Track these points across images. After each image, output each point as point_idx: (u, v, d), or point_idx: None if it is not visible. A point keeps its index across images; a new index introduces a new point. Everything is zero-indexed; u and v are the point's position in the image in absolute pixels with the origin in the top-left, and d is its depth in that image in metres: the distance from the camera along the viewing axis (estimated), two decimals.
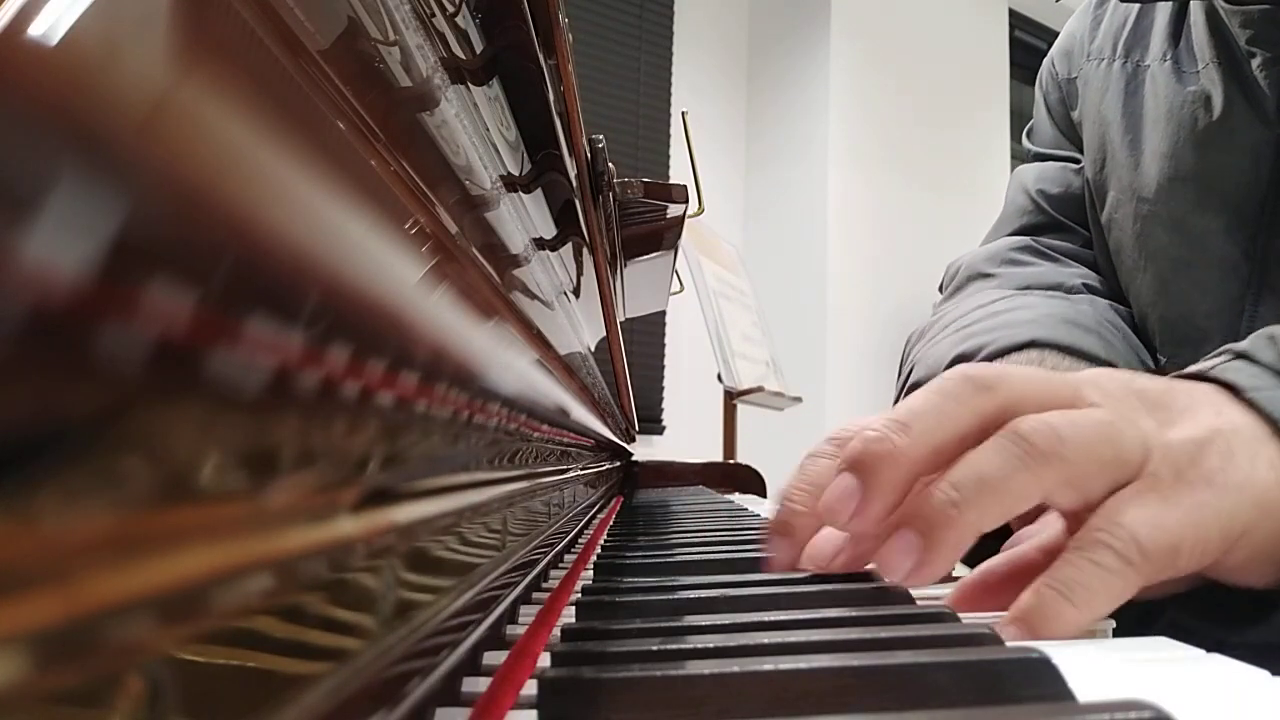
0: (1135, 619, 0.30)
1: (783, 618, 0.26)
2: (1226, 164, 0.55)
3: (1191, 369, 0.36)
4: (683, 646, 0.23)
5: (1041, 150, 0.72)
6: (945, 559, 0.29)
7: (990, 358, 0.53)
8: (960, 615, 0.27)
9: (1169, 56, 0.59)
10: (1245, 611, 0.33)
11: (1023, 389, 0.31)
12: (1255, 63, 0.53)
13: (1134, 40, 0.63)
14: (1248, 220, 0.55)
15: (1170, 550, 0.28)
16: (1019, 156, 0.76)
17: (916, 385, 0.57)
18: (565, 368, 0.46)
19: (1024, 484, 0.28)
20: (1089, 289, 0.64)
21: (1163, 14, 0.61)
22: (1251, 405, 0.33)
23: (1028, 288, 0.64)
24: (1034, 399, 0.30)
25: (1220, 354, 0.37)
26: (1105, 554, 0.28)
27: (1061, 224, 0.69)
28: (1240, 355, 0.36)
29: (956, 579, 0.34)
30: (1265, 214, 0.54)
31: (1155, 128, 0.60)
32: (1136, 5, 0.63)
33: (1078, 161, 0.69)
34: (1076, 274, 0.65)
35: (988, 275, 0.68)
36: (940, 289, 0.74)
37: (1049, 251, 0.68)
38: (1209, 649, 0.24)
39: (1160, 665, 0.23)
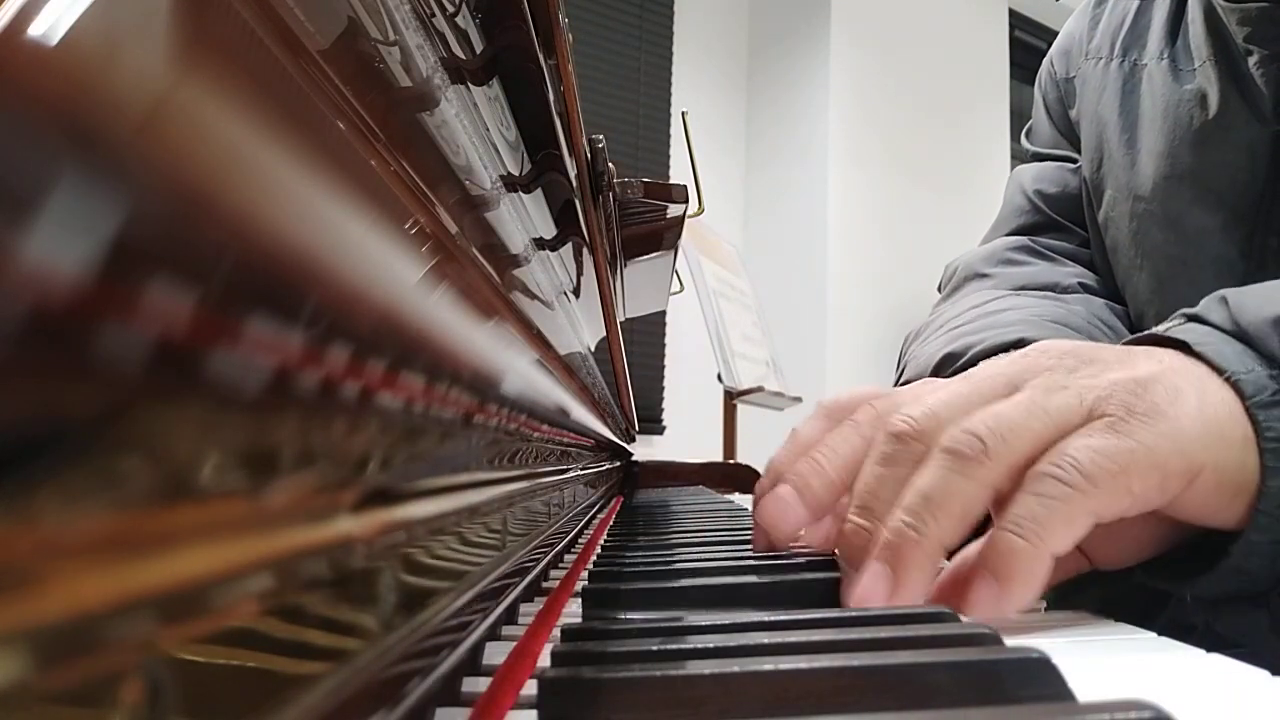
0: (1135, 619, 0.30)
1: (783, 617, 0.26)
2: (1222, 162, 0.55)
3: (1144, 333, 0.37)
4: (683, 646, 0.23)
5: (1040, 150, 0.73)
6: (917, 580, 0.30)
7: (978, 357, 0.54)
8: (951, 611, 0.27)
9: (1166, 55, 0.59)
10: (1196, 564, 0.33)
11: (950, 419, 0.32)
12: (1252, 60, 0.53)
13: (1132, 39, 0.63)
14: (1244, 218, 0.55)
15: (1119, 473, 0.28)
16: (1019, 156, 0.76)
17: (907, 384, 0.58)
18: (565, 368, 0.46)
19: (966, 489, 0.30)
20: (1085, 288, 0.64)
21: (1160, 12, 0.61)
22: (1199, 358, 0.33)
23: (1023, 287, 0.64)
24: (964, 419, 0.31)
25: (1174, 318, 0.37)
26: (1048, 483, 0.28)
27: (1059, 224, 0.69)
28: (1192, 318, 0.36)
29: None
30: (1261, 212, 0.54)
31: (1152, 126, 0.60)
32: (1135, 3, 0.63)
33: (1076, 161, 0.69)
34: (1072, 273, 0.65)
35: (984, 275, 0.68)
36: (939, 289, 0.75)
37: (1046, 251, 0.68)
38: (1208, 646, 0.24)
39: (1160, 665, 0.23)
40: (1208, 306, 0.36)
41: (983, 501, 0.30)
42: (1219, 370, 0.32)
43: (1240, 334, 0.34)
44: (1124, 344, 0.36)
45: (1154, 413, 0.30)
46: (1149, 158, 0.60)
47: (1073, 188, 0.69)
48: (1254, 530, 0.31)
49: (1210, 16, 0.56)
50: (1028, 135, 0.75)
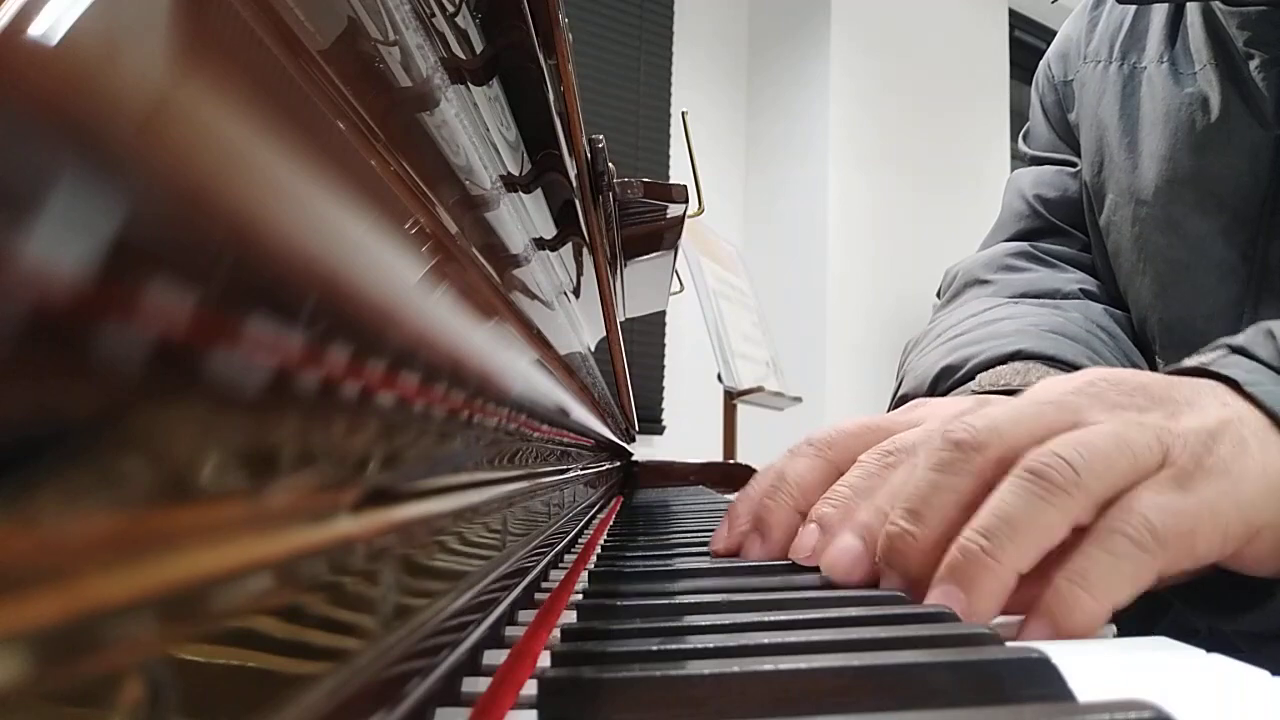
0: (1137, 619, 0.30)
1: (782, 618, 0.26)
2: (1224, 166, 0.55)
3: (1188, 363, 0.36)
4: (683, 646, 0.23)
5: (1038, 154, 0.72)
6: (989, 607, 0.28)
7: (977, 370, 0.53)
8: (951, 611, 0.27)
9: (1166, 58, 0.59)
10: (1240, 599, 0.33)
11: (1014, 436, 0.31)
12: (1253, 64, 0.53)
13: (1130, 42, 0.63)
14: (1246, 222, 0.54)
15: (1186, 536, 0.28)
16: (1019, 157, 0.76)
17: (905, 397, 0.57)
18: (565, 368, 0.46)
19: (1051, 519, 0.28)
20: (1085, 294, 0.64)
21: (1159, 15, 0.61)
22: (1251, 400, 0.32)
23: (1023, 294, 0.64)
24: (1029, 439, 0.30)
25: (1217, 348, 0.36)
26: (1120, 541, 0.28)
27: (1059, 228, 0.68)
28: (1237, 350, 0.35)
29: None
30: (1264, 216, 0.54)
31: (1153, 130, 0.59)
32: (1133, 7, 0.63)
33: (1074, 165, 0.69)
34: (1073, 279, 0.65)
35: (984, 282, 0.67)
36: (938, 295, 0.74)
37: (1046, 257, 0.67)
38: (1209, 647, 0.24)
39: (1160, 665, 0.23)
40: (1253, 339, 0.35)
41: (1063, 533, 0.28)
42: (1272, 416, 0.32)
43: None
44: (1170, 371, 0.35)
45: (1219, 470, 0.29)
46: (1150, 161, 0.59)
47: (1072, 192, 0.68)
48: None
49: (1209, 19, 0.56)
50: (1025, 138, 0.74)
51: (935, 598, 0.29)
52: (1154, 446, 0.30)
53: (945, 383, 0.55)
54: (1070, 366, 0.52)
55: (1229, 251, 0.55)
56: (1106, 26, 0.66)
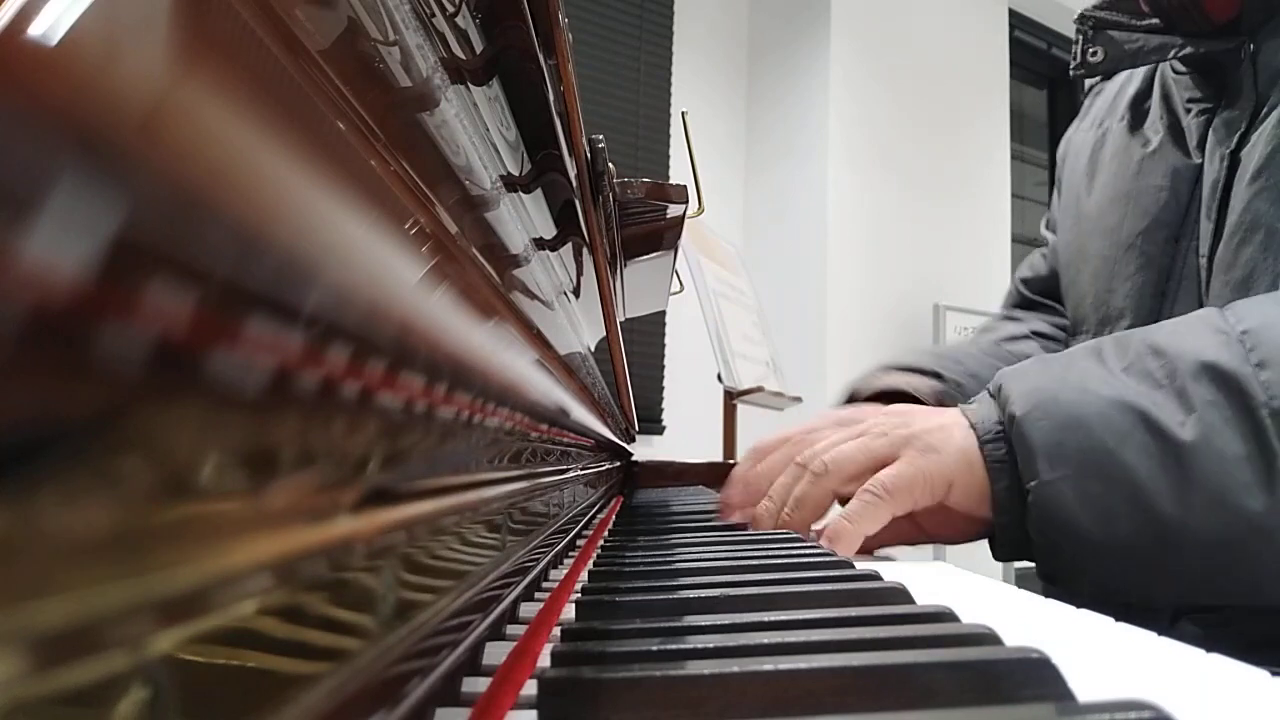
0: (1141, 623, 0.30)
1: (783, 618, 0.26)
2: (1155, 186, 0.73)
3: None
4: (683, 646, 0.23)
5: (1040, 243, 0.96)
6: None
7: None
8: (950, 611, 0.27)
9: (1126, 117, 0.78)
10: (1018, 545, 0.53)
11: (815, 438, 0.60)
12: (1190, 113, 0.70)
13: (1108, 113, 0.81)
14: (1165, 225, 0.71)
15: (906, 488, 0.52)
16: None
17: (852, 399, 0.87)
18: (565, 368, 0.46)
19: (815, 493, 0.55)
20: (1037, 335, 0.90)
21: (1132, 87, 0.79)
22: (964, 414, 0.55)
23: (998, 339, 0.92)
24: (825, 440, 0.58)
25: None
26: (865, 493, 0.52)
27: (1032, 301, 0.96)
28: (993, 393, 0.56)
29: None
30: (1179, 221, 0.71)
31: (1107, 166, 0.78)
32: (1116, 86, 0.82)
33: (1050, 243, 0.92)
34: (1027, 326, 0.92)
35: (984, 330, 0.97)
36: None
37: (1017, 317, 0.95)
38: (1209, 648, 0.24)
39: (1161, 665, 0.23)
40: (998, 378, 0.56)
41: (829, 498, 0.56)
42: (970, 424, 0.54)
43: (996, 396, 0.54)
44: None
45: (931, 449, 0.53)
46: (1101, 189, 0.78)
47: (1043, 270, 0.93)
48: (998, 514, 0.52)
49: (1163, 82, 0.73)
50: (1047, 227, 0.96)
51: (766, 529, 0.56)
52: (885, 445, 0.54)
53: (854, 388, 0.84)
54: (924, 372, 0.79)
55: (1149, 246, 0.72)
56: (1091, 106, 0.86)
